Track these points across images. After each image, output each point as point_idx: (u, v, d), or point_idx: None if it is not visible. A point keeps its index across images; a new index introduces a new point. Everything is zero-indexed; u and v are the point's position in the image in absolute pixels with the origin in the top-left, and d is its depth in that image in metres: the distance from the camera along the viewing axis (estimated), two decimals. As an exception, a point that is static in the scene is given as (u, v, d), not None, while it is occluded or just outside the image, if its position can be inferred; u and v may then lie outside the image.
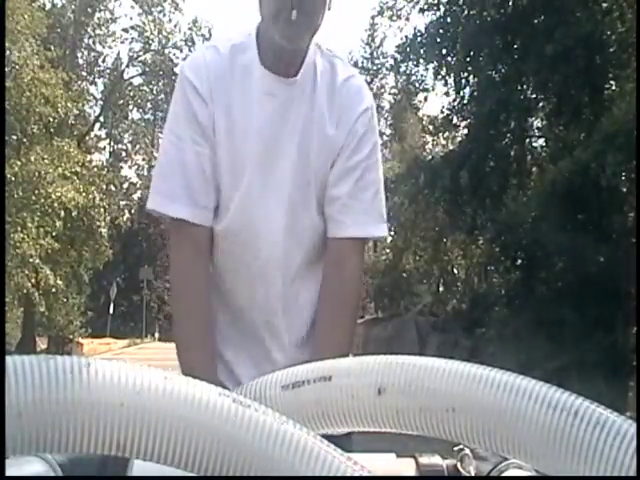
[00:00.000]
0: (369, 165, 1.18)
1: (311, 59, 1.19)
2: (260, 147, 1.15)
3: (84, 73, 23.36)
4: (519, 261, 12.65)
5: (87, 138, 21.51)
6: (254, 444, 0.41)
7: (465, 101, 14.37)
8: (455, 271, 20.38)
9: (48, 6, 18.97)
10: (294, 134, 1.16)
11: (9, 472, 0.42)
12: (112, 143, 32.17)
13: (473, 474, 0.54)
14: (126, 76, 26.47)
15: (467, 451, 0.54)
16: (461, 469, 0.54)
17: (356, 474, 0.40)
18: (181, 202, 1.13)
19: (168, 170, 1.15)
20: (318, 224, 1.18)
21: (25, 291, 14.62)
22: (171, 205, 1.14)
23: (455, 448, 0.54)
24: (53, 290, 15.45)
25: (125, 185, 32.21)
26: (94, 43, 24.17)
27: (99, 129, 26.90)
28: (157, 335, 25.72)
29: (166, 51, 25.88)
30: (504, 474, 0.53)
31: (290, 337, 1.20)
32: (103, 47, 24.84)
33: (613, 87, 11.23)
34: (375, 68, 35.19)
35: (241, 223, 1.16)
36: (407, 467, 0.57)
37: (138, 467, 0.52)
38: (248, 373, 1.16)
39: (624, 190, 9.60)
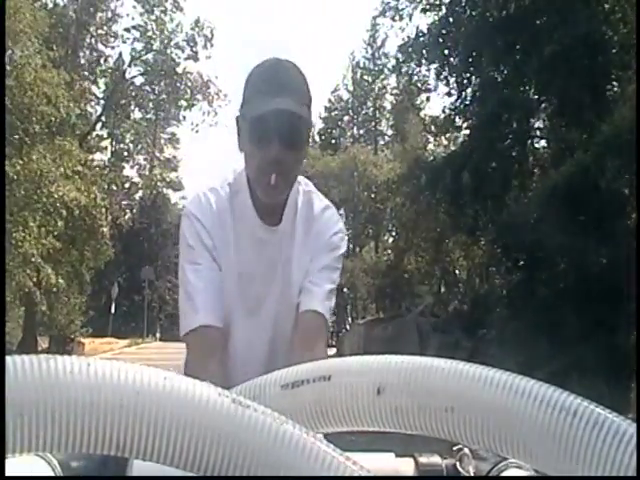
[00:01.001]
0: (334, 277, 1.42)
1: (292, 199, 1.39)
2: (249, 289, 1.37)
3: (86, 73, 23.37)
4: (520, 262, 12.64)
5: (89, 138, 21.54)
6: (254, 444, 0.41)
7: (467, 102, 14.37)
8: (456, 272, 20.36)
9: (50, 6, 18.99)
10: (278, 274, 1.38)
11: (9, 471, 0.42)
12: (114, 143, 32.17)
13: (472, 474, 0.54)
14: (128, 76, 26.49)
15: (466, 451, 0.54)
16: (460, 469, 0.54)
17: (355, 474, 0.40)
18: (212, 313, 1.33)
19: (193, 291, 1.35)
20: (293, 320, 1.40)
21: (27, 290, 14.63)
22: (205, 318, 1.33)
23: (454, 448, 0.54)
24: (54, 289, 15.46)
25: (127, 185, 32.23)
26: (96, 43, 24.19)
27: (101, 129, 26.92)
28: (158, 335, 25.71)
29: (168, 51, 25.88)
30: (503, 474, 0.53)
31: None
32: (105, 47, 24.87)
33: (615, 88, 11.22)
34: (377, 69, 35.19)
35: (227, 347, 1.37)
36: (406, 467, 0.57)
37: (138, 467, 0.52)
38: None
39: (625, 192, 9.59)
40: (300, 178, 1.42)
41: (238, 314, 1.37)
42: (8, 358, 0.40)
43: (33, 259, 13.65)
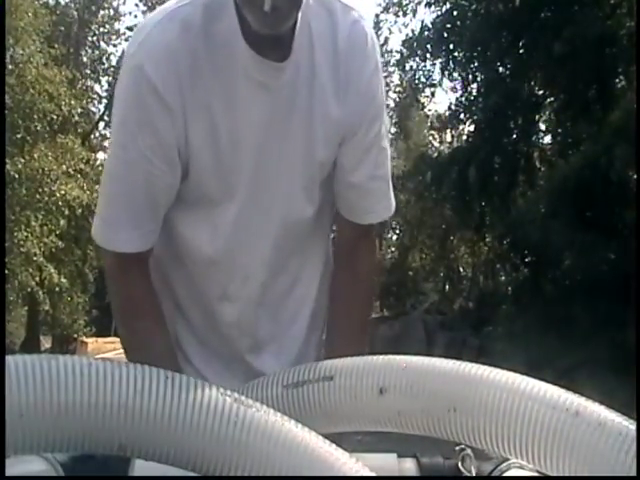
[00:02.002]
0: (382, 137, 1.01)
1: (304, 18, 0.92)
2: (254, 154, 0.95)
3: (88, 71, 23.38)
4: (527, 259, 12.61)
5: (92, 137, 21.56)
6: (256, 444, 0.41)
7: (472, 97, 14.32)
8: (462, 269, 20.31)
9: (52, 3, 19.01)
10: (293, 129, 0.95)
11: (10, 471, 0.43)
12: (118, 142, 32.15)
13: (474, 474, 0.54)
14: (131, 74, 26.45)
15: (468, 451, 0.53)
16: (462, 469, 0.54)
17: (357, 474, 0.40)
18: (126, 232, 0.96)
19: (112, 192, 0.98)
20: (317, 215, 1.04)
21: (29, 290, 14.66)
22: (115, 236, 0.97)
23: (456, 448, 0.54)
24: (57, 289, 15.48)
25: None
26: (98, 41, 24.19)
27: (104, 128, 26.92)
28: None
29: (171, 49, 25.82)
30: (505, 474, 0.53)
31: (279, 340, 1.09)
32: (107, 45, 24.87)
33: (622, 82, 11.16)
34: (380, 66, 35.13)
35: (228, 245, 1.00)
36: (408, 467, 0.57)
37: (139, 467, 0.52)
38: (217, 374, 1.05)
39: (633, 185, 9.54)
40: None
41: (227, 203, 0.95)
42: (9, 358, 0.40)
43: (35, 258, 13.67)
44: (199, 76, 0.89)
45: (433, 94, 16.06)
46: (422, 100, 17.04)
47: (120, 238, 0.96)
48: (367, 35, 0.98)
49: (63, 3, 21.25)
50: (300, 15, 0.90)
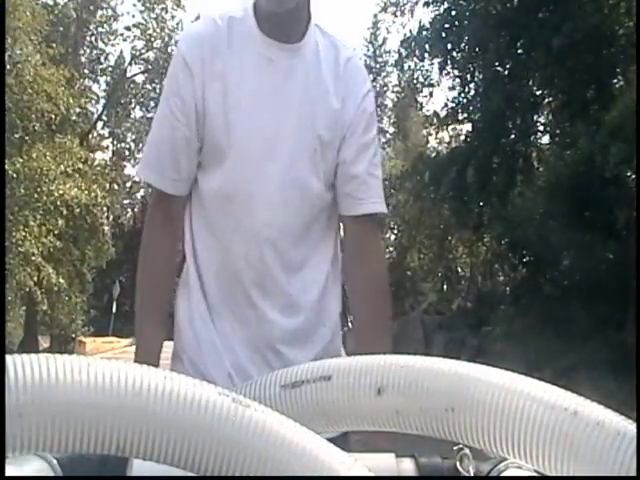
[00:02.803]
0: (377, 143, 1.23)
1: (313, 34, 1.18)
2: (257, 111, 1.13)
3: (86, 71, 23.38)
4: (525, 258, 12.63)
5: (90, 137, 21.55)
6: (254, 444, 0.41)
7: (470, 96, 14.33)
8: (460, 269, 20.34)
9: (50, 3, 18.99)
10: (295, 100, 1.14)
11: (9, 471, 0.43)
12: (115, 142, 32.21)
13: (472, 474, 0.54)
14: (129, 74, 26.50)
15: (466, 451, 0.53)
16: (460, 469, 0.54)
17: (356, 474, 0.40)
18: (152, 170, 1.20)
19: (149, 140, 1.23)
20: (324, 194, 1.18)
21: (27, 290, 14.65)
22: (143, 171, 1.23)
23: (454, 448, 0.54)
24: (55, 289, 15.47)
25: (128, 184, 32.26)
26: (96, 41, 24.19)
27: (102, 128, 26.93)
28: (161, 333, 25.67)
29: (169, 49, 25.85)
30: (503, 474, 0.53)
31: (289, 299, 1.18)
32: (105, 45, 24.86)
33: (621, 82, 11.18)
34: (378, 66, 35.14)
35: (241, 185, 1.15)
36: (407, 467, 0.57)
37: (138, 467, 0.52)
38: (236, 334, 1.16)
39: (631, 185, 9.55)
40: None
41: (248, 132, 1.13)
42: (8, 357, 0.40)
43: (34, 258, 13.67)
44: (218, 53, 1.14)
45: (431, 94, 16.07)
46: (420, 100, 17.07)
47: (146, 173, 1.22)
48: (363, 66, 1.29)
49: (61, 3, 21.25)
50: (310, 27, 1.17)
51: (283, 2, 1.09)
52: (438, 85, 15.57)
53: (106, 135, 30.72)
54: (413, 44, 14.53)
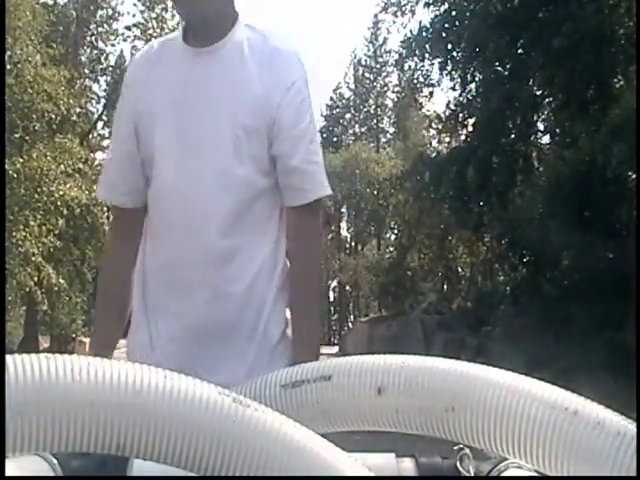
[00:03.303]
0: (312, 129, 1.25)
1: (238, 31, 1.25)
2: (176, 112, 1.23)
3: (86, 71, 23.37)
4: (525, 258, 12.62)
5: (90, 137, 21.54)
6: (254, 444, 0.41)
7: (471, 97, 14.33)
8: (460, 269, 20.34)
9: (50, 3, 18.98)
10: (214, 95, 1.22)
11: (9, 471, 0.43)
12: (116, 141, 32.14)
13: (472, 474, 0.54)
14: (130, 74, 26.44)
15: (466, 451, 0.53)
16: (461, 469, 0.54)
17: (356, 474, 0.40)
18: (105, 187, 1.36)
19: (104, 160, 1.47)
20: (254, 180, 1.22)
21: (27, 289, 14.64)
22: (98, 190, 1.40)
23: (455, 448, 0.54)
24: (56, 288, 15.46)
25: (129, 183, 32.25)
26: (96, 41, 24.18)
27: (102, 128, 26.91)
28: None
29: (169, 49, 25.80)
30: (504, 474, 0.53)
31: (217, 290, 1.22)
32: (105, 45, 24.85)
33: (621, 82, 11.17)
34: (378, 66, 35.14)
35: (168, 182, 1.24)
36: (407, 467, 0.57)
37: (138, 466, 0.52)
38: (169, 328, 1.22)
39: (632, 185, 9.55)
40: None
41: (168, 132, 1.24)
42: (8, 357, 0.40)
43: (34, 258, 13.66)
44: (149, 70, 1.30)
45: (431, 94, 16.04)
46: (420, 100, 17.06)
47: (100, 192, 1.39)
48: (295, 55, 1.28)
49: (61, 3, 21.24)
50: (237, 25, 1.25)
51: (192, 7, 1.21)
52: (438, 85, 15.54)
53: (106, 135, 30.69)
54: (413, 44, 14.53)
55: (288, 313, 1.27)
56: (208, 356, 1.17)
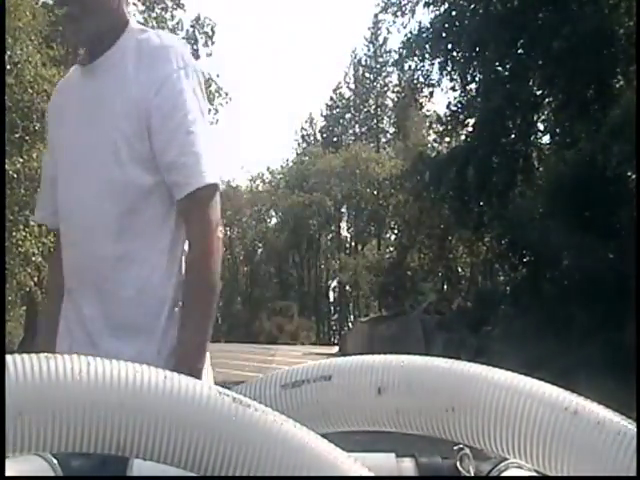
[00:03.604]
0: (190, 121, 1.23)
1: (128, 38, 1.29)
2: (64, 130, 1.33)
3: (88, 71, 23.40)
4: (525, 258, 12.62)
5: (91, 136, 21.57)
6: (254, 444, 0.41)
7: (471, 97, 14.33)
8: (460, 269, 20.33)
9: (50, 3, 19.00)
10: (92, 107, 1.28)
11: (9, 471, 0.43)
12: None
13: (473, 474, 0.54)
14: (130, 74, 26.45)
15: (467, 451, 0.53)
16: (461, 469, 0.54)
17: (356, 474, 0.40)
18: (38, 209, 1.47)
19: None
20: (141, 180, 1.24)
21: (27, 289, 14.64)
22: (34, 214, 1.52)
23: (455, 447, 0.54)
24: (56, 288, 15.46)
25: (129, 183, 32.25)
26: (98, 41, 24.20)
27: (103, 127, 26.94)
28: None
29: (170, 49, 25.81)
30: (504, 474, 0.53)
31: (119, 293, 1.24)
32: (107, 45, 24.85)
33: (621, 82, 11.17)
34: (378, 66, 35.13)
35: (60, 200, 1.33)
36: (407, 467, 0.57)
37: (138, 466, 0.52)
38: (69, 331, 1.28)
39: (632, 185, 9.55)
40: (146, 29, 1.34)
41: (61, 152, 1.34)
42: (8, 357, 0.40)
43: (34, 258, 13.65)
44: (58, 96, 1.44)
45: (432, 94, 16.04)
46: (421, 100, 17.06)
47: (35, 215, 1.52)
48: (172, 48, 1.27)
49: (61, 3, 21.24)
50: (123, 34, 1.29)
51: (72, 31, 1.31)
52: (438, 85, 15.54)
53: (106, 135, 30.68)
54: (413, 44, 14.53)
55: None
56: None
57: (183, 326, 1.18)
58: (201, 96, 1.27)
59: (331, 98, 37.53)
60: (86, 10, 1.26)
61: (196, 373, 1.12)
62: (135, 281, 1.23)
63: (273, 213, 39.72)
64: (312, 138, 39.48)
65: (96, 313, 1.24)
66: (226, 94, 27.89)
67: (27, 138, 14.25)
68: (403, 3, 15.52)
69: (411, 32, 14.68)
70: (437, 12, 14.20)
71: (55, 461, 0.51)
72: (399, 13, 15.71)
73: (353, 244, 35.74)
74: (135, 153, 1.23)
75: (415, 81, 15.79)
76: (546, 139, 14.40)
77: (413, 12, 15.35)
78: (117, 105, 1.24)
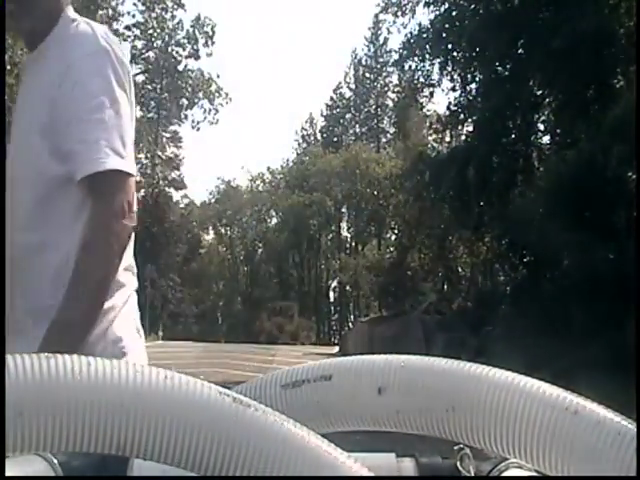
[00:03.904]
0: (89, 108, 1.22)
1: (62, 28, 1.29)
2: (13, 119, 1.33)
3: (88, 71, 23.41)
4: (525, 258, 12.63)
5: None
6: (254, 444, 0.41)
7: (471, 97, 14.35)
8: (460, 269, 20.34)
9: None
10: (27, 98, 1.31)
11: (9, 471, 0.43)
12: (116, 141, 32.11)
13: (473, 474, 0.54)
14: (130, 74, 26.43)
15: (467, 451, 0.53)
16: (461, 469, 0.54)
17: (356, 474, 0.40)
18: None
19: None
20: (52, 171, 1.24)
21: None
22: None
23: (455, 448, 0.54)
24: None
25: (129, 183, 32.21)
26: (98, 41, 24.18)
27: (103, 127, 26.90)
28: (160, 334, 25.73)
29: (169, 49, 25.91)
30: (504, 474, 0.53)
31: (27, 283, 1.25)
32: (107, 45, 24.82)
33: (621, 82, 11.18)
34: (379, 66, 35.13)
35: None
36: (407, 467, 0.57)
37: (137, 466, 0.52)
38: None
39: (632, 185, 9.55)
40: (88, 22, 1.34)
41: (9, 154, 1.34)
42: (8, 357, 0.40)
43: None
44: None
45: (432, 94, 16.06)
46: (421, 100, 17.07)
47: None
48: (81, 35, 1.28)
49: (62, 3, 21.24)
50: (59, 25, 1.29)
51: (10, 24, 1.29)
52: (439, 85, 15.55)
53: (106, 135, 30.62)
54: (414, 44, 14.55)
55: (113, 303, 1.25)
56: (29, 346, 1.15)
57: (65, 299, 1.17)
58: (114, 81, 1.24)
59: (331, 98, 37.58)
60: (22, 5, 1.28)
61: (65, 347, 1.07)
62: (52, 269, 1.23)
63: (273, 213, 39.76)
64: (312, 138, 39.51)
65: (21, 302, 1.25)
66: (226, 94, 27.84)
67: (27, 138, 14.28)
68: (403, 3, 15.55)
69: (411, 32, 14.72)
70: (437, 12, 14.23)
71: (55, 461, 0.51)
72: (399, 13, 15.74)
73: (353, 244, 35.76)
74: (48, 143, 1.23)
75: (415, 81, 15.80)
76: (546, 139, 14.42)
77: (413, 12, 15.38)
78: (36, 96, 1.28)
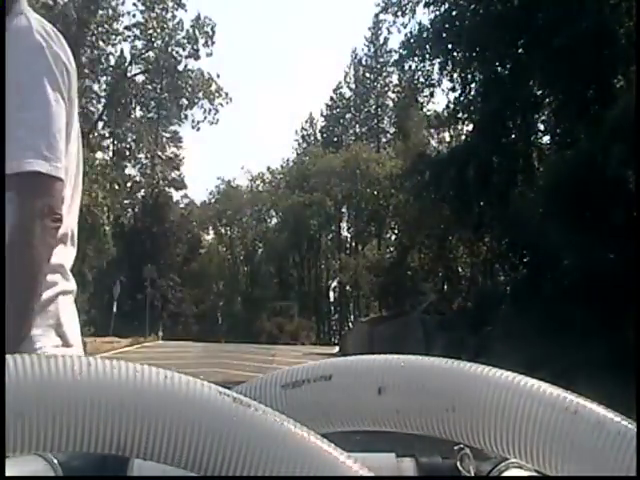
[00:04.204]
0: (20, 106, 1.19)
1: (8, 25, 1.25)
2: None
3: (87, 71, 23.38)
4: (525, 258, 12.63)
5: (91, 137, 21.55)
6: (254, 444, 0.41)
7: (471, 97, 14.35)
8: (460, 269, 20.35)
9: (50, 3, 18.99)
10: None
11: (9, 471, 0.43)
12: (115, 142, 32.23)
13: (473, 474, 0.54)
14: (129, 74, 26.52)
15: (467, 451, 0.53)
16: (461, 469, 0.54)
17: (356, 474, 0.40)
18: None
19: None
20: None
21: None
22: None
23: (455, 447, 0.54)
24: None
25: (129, 183, 32.28)
26: (97, 41, 24.20)
27: (102, 128, 26.99)
28: (160, 334, 25.73)
29: (169, 49, 25.91)
30: (504, 474, 0.53)
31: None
32: (106, 45, 24.88)
33: (621, 82, 11.18)
34: (379, 66, 35.14)
35: None
36: (407, 467, 0.57)
37: (137, 466, 0.52)
38: None
39: (632, 185, 9.54)
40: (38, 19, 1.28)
41: None
42: (8, 357, 0.40)
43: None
44: None
45: (432, 94, 16.05)
46: (421, 100, 17.07)
47: None
48: (21, 30, 1.24)
49: (61, 3, 21.24)
50: (17, 18, 1.24)
51: None
52: (439, 85, 15.55)
53: (107, 135, 30.76)
54: (414, 44, 14.55)
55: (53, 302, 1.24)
56: None
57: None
58: (46, 80, 1.22)
59: (331, 98, 37.58)
60: None
61: None
62: None
63: (273, 213, 39.76)
64: (312, 138, 39.52)
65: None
66: (226, 94, 27.81)
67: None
68: (403, 3, 15.55)
69: (411, 32, 14.71)
70: (437, 12, 14.23)
71: (55, 461, 0.51)
72: (399, 13, 15.74)
73: (353, 244, 35.77)
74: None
75: (415, 81, 15.80)
76: (546, 139, 14.42)
77: (413, 12, 15.38)
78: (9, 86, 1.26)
